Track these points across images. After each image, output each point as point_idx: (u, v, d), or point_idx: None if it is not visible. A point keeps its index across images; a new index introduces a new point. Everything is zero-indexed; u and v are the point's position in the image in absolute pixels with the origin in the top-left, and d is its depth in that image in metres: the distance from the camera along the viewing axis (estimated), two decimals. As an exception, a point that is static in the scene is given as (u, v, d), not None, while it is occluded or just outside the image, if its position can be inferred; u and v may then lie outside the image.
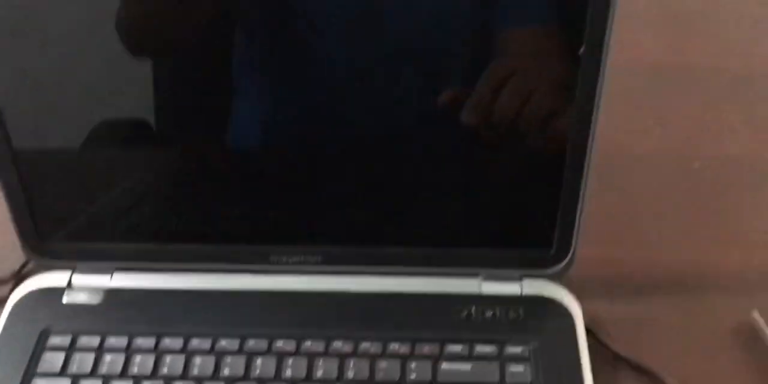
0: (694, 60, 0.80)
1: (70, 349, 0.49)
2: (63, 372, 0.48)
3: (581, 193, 0.50)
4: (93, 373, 0.48)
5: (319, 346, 0.49)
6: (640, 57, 0.80)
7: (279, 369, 0.48)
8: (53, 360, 0.49)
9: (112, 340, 0.50)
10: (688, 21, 0.84)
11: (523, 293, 0.53)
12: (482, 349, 0.49)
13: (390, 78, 0.50)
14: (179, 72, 0.51)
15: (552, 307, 0.52)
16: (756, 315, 0.54)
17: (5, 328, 0.51)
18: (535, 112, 0.48)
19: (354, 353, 0.49)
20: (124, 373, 0.48)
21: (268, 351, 0.49)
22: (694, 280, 0.59)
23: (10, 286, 0.57)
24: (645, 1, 0.85)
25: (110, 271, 0.54)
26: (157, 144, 0.52)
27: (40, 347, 0.50)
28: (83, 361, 0.49)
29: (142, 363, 0.49)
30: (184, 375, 0.48)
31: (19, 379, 0.48)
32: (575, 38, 0.45)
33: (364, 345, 0.49)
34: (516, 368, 0.48)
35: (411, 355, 0.49)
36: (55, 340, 0.50)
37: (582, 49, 0.45)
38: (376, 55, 0.49)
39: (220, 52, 0.50)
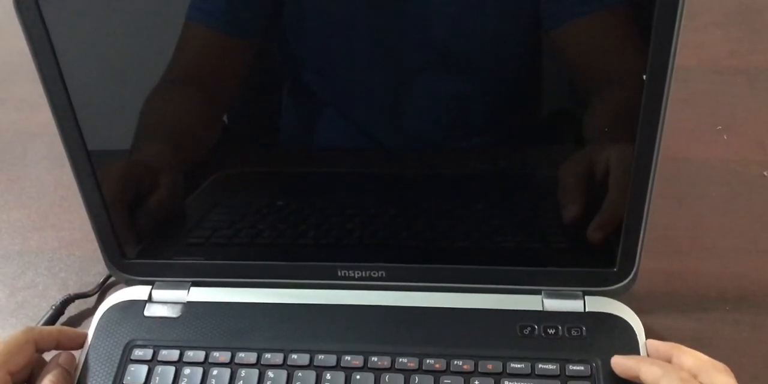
0: (765, 62, 0.77)
1: (152, 362, 0.53)
2: (146, 383, 0.52)
3: (645, 212, 0.50)
4: (173, 385, 0.52)
5: (385, 361, 0.51)
6: (707, 58, 0.78)
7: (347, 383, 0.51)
8: (137, 372, 0.52)
9: (191, 354, 0.53)
10: (758, 20, 0.82)
11: (586, 310, 0.53)
12: (545, 366, 0.50)
13: (455, 97, 0.51)
14: (248, 102, 0.53)
15: (614, 324, 0.53)
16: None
17: (95, 337, 0.55)
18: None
19: (419, 369, 0.51)
20: (202, 386, 0.51)
21: (337, 365, 0.52)
22: (762, 294, 0.58)
23: (94, 297, 0.61)
24: (712, -2, 0.83)
25: (187, 285, 0.57)
26: (231, 165, 0.54)
27: (125, 359, 0.53)
28: (165, 374, 0.52)
29: (218, 376, 0.51)
30: (258, 388, 0.51)
31: (107, 388, 0.52)
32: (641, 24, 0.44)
33: (429, 361, 0.51)
34: (578, 386, 0.49)
35: (474, 372, 0.50)
36: (138, 352, 0.53)
37: (645, 76, 0.45)
38: (436, 69, 0.50)
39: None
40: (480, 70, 0.50)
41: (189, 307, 0.56)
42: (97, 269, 0.62)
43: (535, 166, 0.52)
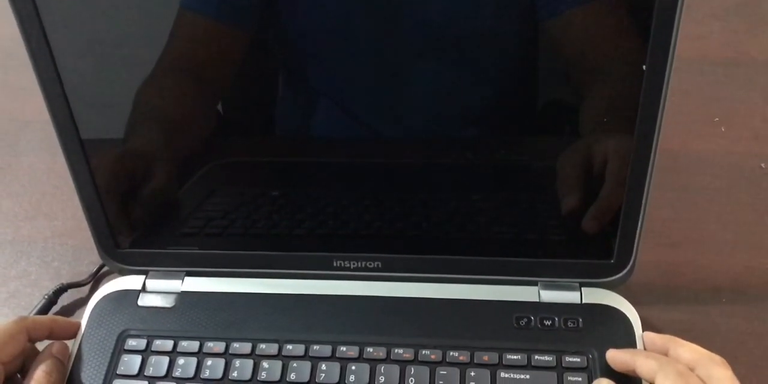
0: (764, 54, 0.77)
1: (146, 352, 0.52)
2: (140, 374, 0.51)
3: (643, 204, 0.50)
4: (167, 375, 0.51)
5: (380, 352, 0.51)
6: (706, 50, 0.78)
7: (342, 374, 0.50)
8: (131, 362, 0.52)
9: (185, 344, 0.52)
10: (756, 12, 0.82)
11: (582, 302, 0.53)
12: (541, 358, 0.50)
13: (452, 87, 0.51)
14: (246, 94, 0.53)
15: (611, 316, 0.52)
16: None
17: (88, 327, 0.54)
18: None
19: (415, 360, 0.51)
20: (196, 376, 0.51)
21: (332, 356, 0.51)
22: (758, 287, 0.58)
23: (87, 287, 0.61)
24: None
25: (181, 275, 0.56)
26: (226, 154, 0.54)
27: (118, 349, 0.53)
28: (158, 364, 0.51)
29: (213, 366, 0.51)
30: (253, 379, 0.50)
31: (101, 379, 0.51)
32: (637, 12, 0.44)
33: (425, 352, 0.51)
34: (574, 378, 0.49)
35: (470, 364, 0.50)
36: (132, 342, 0.53)
37: (644, 66, 0.45)
38: (433, 58, 0.49)
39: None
40: (477, 59, 0.50)
41: (183, 297, 0.55)
42: (91, 258, 0.61)
43: (532, 157, 0.52)
